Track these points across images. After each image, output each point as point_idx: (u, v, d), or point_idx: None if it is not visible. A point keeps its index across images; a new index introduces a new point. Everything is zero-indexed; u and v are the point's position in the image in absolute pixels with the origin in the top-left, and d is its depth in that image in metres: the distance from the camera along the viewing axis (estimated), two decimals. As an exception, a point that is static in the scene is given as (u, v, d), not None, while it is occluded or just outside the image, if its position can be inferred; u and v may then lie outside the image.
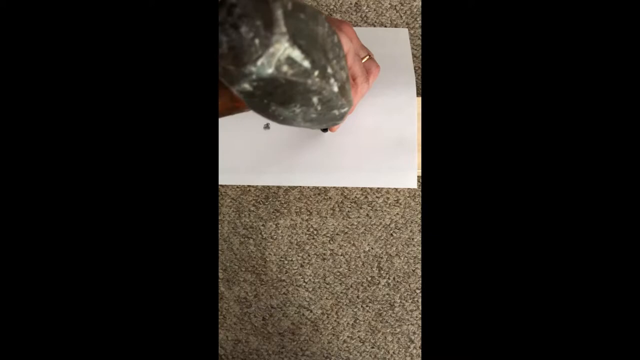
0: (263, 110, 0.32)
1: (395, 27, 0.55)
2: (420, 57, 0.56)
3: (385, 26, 0.55)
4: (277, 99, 0.30)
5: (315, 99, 0.32)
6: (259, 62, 0.27)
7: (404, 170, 0.52)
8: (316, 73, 0.29)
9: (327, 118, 0.36)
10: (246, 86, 0.28)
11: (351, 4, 0.55)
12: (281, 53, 0.27)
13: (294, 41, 0.27)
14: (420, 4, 0.55)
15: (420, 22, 0.55)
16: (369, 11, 0.55)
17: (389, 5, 0.55)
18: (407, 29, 0.55)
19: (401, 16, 0.55)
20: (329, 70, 0.31)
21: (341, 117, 0.38)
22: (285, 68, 0.28)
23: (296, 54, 0.27)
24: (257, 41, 0.27)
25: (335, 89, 0.32)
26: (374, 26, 0.56)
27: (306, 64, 0.28)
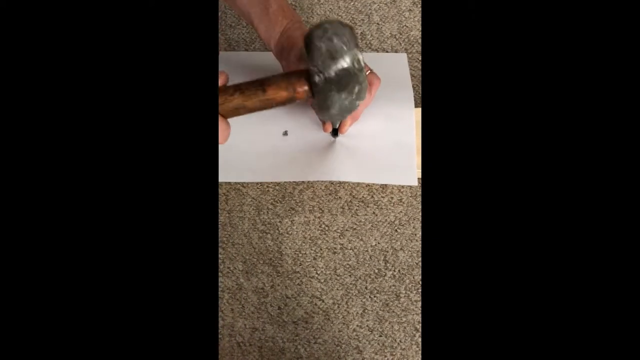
0: (324, 97, 0.49)
1: (396, 52, 0.64)
2: (418, 76, 0.64)
3: (387, 51, 0.65)
4: (339, 86, 0.48)
5: (357, 88, 0.49)
6: (346, 58, 0.46)
7: (405, 169, 0.58)
8: (362, 71, 0.48)
9: (349, 107, 0.51)
10: (332, 74, 0.46)
11: (357, 33, 0.65)
12: (356, 54, 0.46)
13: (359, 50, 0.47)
14: (416, 33, 0.64)
15: (416, 47, 0.64)
16: (372, 39, 0.65)
17: (390, 35, 0.65)
18: (405, 54, 0.64)
19: (400, 43, 0.64)
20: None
21: (355, 109, 0.52)
22: (356, 64, 0.47)
23: (360, 57, 0.47)
24: (344, 47, 0.46)
25: (366, 84, 0.50)
26: (377, 52, 0.65)
27: (362, 64, 0.47)
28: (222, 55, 0.65)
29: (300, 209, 0.60)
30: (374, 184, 0.60)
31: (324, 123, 0.58)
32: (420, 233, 0.59)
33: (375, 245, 0.59)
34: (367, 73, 0.56)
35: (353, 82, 0.48)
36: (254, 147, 0.60)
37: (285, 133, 0.61)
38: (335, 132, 0.59)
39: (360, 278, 0.58)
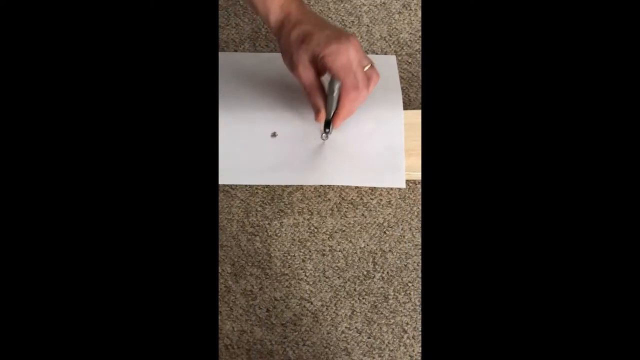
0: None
1: (385, 54, 0.65)
2: (407, 78, 0.64)
3: (377, 53, 0.65)
4: None
5: None
6: None
7: (394, 172, 0.58)
8: None
9: None
10: None
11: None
12: None
13: None
14: (406, 35, 0.65)
15: (406, 50, 0.65)
16: (362, 41, 0.65)
17: (379, 37, 0.65)
18: (394, 56, 0.64)
19: (390, 45, 0.64)
20: None
21: None
22: None
23: None
24: None
25: None
26: (367, 53, 0.65)
27: None
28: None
29: (289, 211, 0.60)
30: (363, 186, 0.60)
31: (317, 112, 0.57)
32: (408, 235, 0.59)
33: (364, 247, 0.59)
34: (368, 67, 0.56)
35: None
36: (241, 148, 0.60)
37: (274, 135, 0.60)
38: (327, 125, 0.58)
39: (349, 280, 0.58)
